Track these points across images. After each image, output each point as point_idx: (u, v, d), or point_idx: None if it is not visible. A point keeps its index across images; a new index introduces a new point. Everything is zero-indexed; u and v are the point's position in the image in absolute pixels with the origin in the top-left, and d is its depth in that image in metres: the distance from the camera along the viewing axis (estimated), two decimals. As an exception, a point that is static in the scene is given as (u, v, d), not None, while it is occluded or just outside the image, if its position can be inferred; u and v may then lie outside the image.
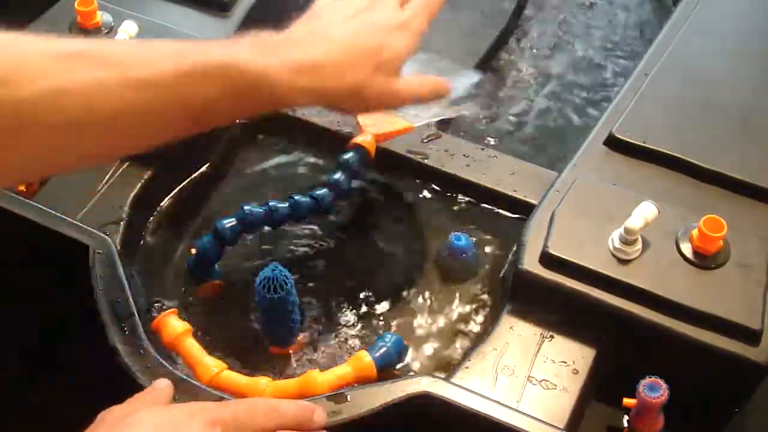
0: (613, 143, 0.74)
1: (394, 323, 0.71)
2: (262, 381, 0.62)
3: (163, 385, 0.56)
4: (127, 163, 0.76)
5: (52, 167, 0.55)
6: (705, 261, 0.63)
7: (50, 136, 0.47)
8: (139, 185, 0.75)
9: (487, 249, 0.75)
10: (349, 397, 0.58)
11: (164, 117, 0.51)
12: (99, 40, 0.52)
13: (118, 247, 0.68)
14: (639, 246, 0.64)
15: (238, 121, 0.83)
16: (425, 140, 0.81)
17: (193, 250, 0.71)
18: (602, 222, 0.65)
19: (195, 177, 0.81)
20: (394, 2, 0.63)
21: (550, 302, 0.65)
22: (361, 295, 0.72)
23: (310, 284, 0.73)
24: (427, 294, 0.73)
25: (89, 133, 0.49)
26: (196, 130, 0.54)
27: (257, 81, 0.53)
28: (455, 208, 0.78)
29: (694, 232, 0.63)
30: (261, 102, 0.56)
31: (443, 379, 0.60)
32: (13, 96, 0.45)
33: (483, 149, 0.80)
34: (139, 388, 0.57)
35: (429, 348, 0.69)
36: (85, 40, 0.51)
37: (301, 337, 0.69)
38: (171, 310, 0.65)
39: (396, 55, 0.60)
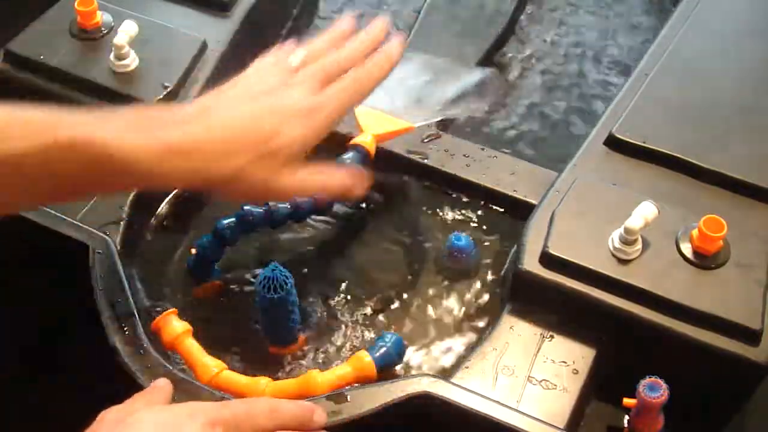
0: (613, 143, 0.74)
1: (394, 323, 0.71)
2: (262, 381, 0.62)
3: (162, 385, 0.56)
4: (127, 163, 0.76)
5: None
6: (705, 261, 0.63)
7: None
8: (139, 185, 0.75)
9: (487, 249, 0.75)
10: (349, 397, 0.58)
11: (25, 190, 0.51)
12: None
13: (118, 247, 0.68)
14: (639, 246, 0.64)
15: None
16: (425, 140, 0.81)
17: (193, 250, 0.71)
18: (602, 222, 0.65)
19: (195, 177, 0.81)
20: (312, 83, 0.59)
21: (550, 302, 0.65)
22: (361, 295, 0.72)
23: (310, 284, 0.73)
24: (427, 294, 0.73)
25: None
26: (65, 200, 0.54)
27: (121, 160, 0.51)
28: (455, 208, 0.78)
29: (694, 232, 0.63)
30: (126, 181, 0.55)
31: (443, 379, 0.60)
32: None
33: (483, 149, 0.80)
34: (139, 388, 0.57)
35: (429, 348, 0.69)
36: None
37: (301, 337, 0.69)
38: (171, 310, 0.65)
39: (288, 144, 0.56)
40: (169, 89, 0.75)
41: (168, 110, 0.56)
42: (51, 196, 0.54)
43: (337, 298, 0.72)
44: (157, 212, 0.78)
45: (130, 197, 0.74)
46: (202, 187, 0.57)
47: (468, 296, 0.72)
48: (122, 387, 0.57)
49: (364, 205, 0.79)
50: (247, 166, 0.54)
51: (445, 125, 0.86)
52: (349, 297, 0.72)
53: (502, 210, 0.78)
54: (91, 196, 0.53)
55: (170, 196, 0.79)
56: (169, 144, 0.53)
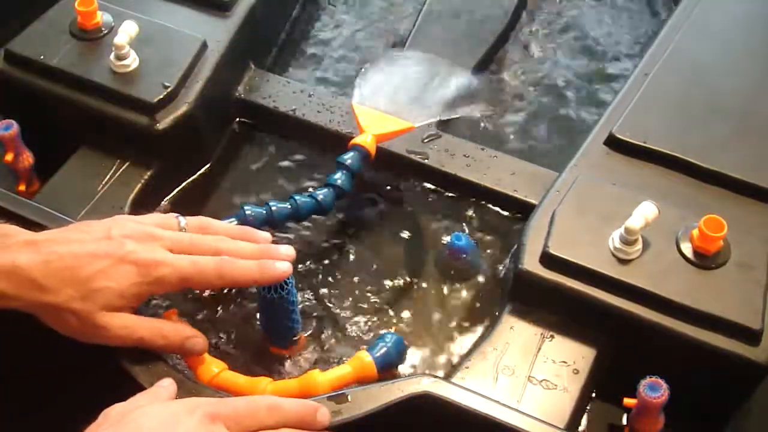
0: (613, 143, 0.74)
1: (394, 323, 0.71)
2: (263, 381, 0.62)
3: (166, 384, 0.56)
4: (127, 163, 0.76)
5: None
6: (705, 261, 0.63)
7: None
8: (139, 185, 0.75)
9: (487, 249, 0.76)
10: (349, 397, 0.58)
11: None
12: None
13: (118, 247, 0.68)
14: (639, 246, 0.64)
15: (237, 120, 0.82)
16: (425, 140, 0.81)
17: (193, 250, 0.71)
18: (602, 222, 0.65)
19: (195, 177, 0.81)
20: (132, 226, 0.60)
21: (551, 302, 0.65)
22: (362, 295, 0.72)
23: (310, 284, 0.73)
24: (427, 294, 0.73)
25: None
26: None
27: None
28: (455, 208, 0.79)
29: (694, 232, 0.63)
30: None
31: (443, 379, 0.60)
32: None
33: (483, 149, 0.80)
34: (140, 387, 0.57)
35: (429, 348, 0.69)
36: None
37: (302, 337, 0.69)
38: (171, 310, 0.65)
39: (107, 288, 0.56)
40: (169, 89, 0.75)
41: (16, 233, 0.58)
42: None
43: (337, 298, 0.72)
44: (157, 212, 0.78)
45: (131, 197, 0.74)
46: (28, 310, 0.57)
47: (468, 296, 0.72)
48: (122, 387, 0.57)
49: (363, 205, 0.79)
50: (68, 301, 0.55)
51: (445, 125, 0.86)
52: (349, 297, 0.72)
53: (502, 210, 0.78)
54: None
55: (170, 196, 0.79)
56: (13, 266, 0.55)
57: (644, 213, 0.62)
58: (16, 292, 0.55)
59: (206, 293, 0.72)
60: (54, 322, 0.57)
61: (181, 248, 0.59)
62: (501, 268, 0.74)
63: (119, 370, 0.59)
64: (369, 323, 0.71)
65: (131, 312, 0.58)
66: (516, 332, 0.65)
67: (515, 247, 0.71)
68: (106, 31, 0.78)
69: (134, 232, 0.59)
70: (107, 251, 0.57)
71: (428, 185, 0.80)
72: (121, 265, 0.57)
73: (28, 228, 0.60)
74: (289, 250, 0.63)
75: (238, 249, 0.62)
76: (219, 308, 0.71)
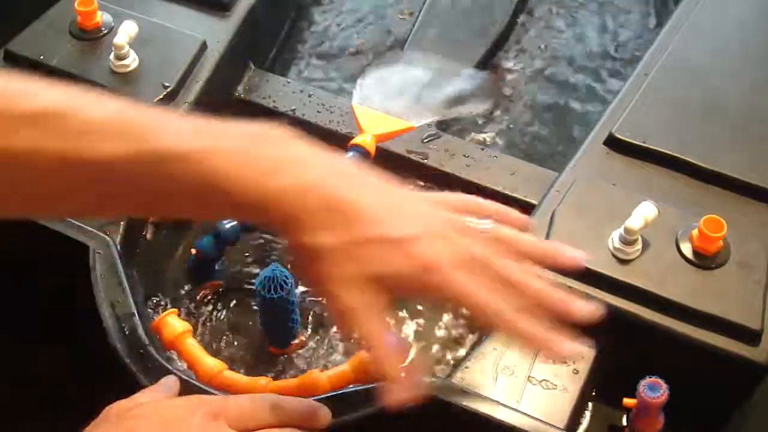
0: (613, 143, 0.74)
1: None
2: (262, 381, 0.62)
3: (169, 381, 0.56)
4: (127, 163, 0.76)
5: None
6: (705, 261, 0.63)
7: None
8: (139, 185, 0.75)
9: (487, 249, 0.75)
10: (349, 397, 0.58)
11: (104, 198, 0.46)
12: (67, 100, 0.45)
13: (118, 247, 0.68)
14: (639, 246, 0.64)
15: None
16: (425, 140, 0.81)
17: (193, 250, 0.71)
18: (602, 222, 0.65)
19: (195, 177, 0.81)
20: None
21: (550, 302, 0.65)
22: (361, 295, 0.72)
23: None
24: (427, 294, 0.72)
25: (29, 196, 0.45)
26: (144, 215, 0.49)
27: (230, 191, 0.45)
28: (455, 208, 0.78)
29: (694, 232, 0.63)
30: (227, 214, 0.50)
31: (443, 379, 0.60)
32: None
33: (483, 149, 0.80)
34: (140, 388, 0.57)
35: (429, 348, 0.69)
36: (50, 99, 0.44)
37: (301, 337, 0.69)
38: (171, 310, 0.65)
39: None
40: (169, 89, 0.75)
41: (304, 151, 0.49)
42: (136, 209, 0.50)
43: (337, 298, 0.72)
44: (157, 212, 0.78)
45: (130, 197, 0.74)
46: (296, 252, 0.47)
47: (468, 296, 0.72)
48: (122, 387, 0.57)
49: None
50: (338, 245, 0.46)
51: (445, 125, 0.86)
52: (349, 297, 0.72)
53: (502, 210, 0.78)
54: (167, 217, 0.49)
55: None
56: (283, 188, 0.45)
57: (644, 213, 0.62)
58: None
59: (205, 293, 0.72)
60: (314, 263, 0.47)
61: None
62: (501, 268, 0.74)
63: (120, 370, 0.59)
64: (369, 323, 0.71)
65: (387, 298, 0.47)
66: (516, 332, 0.65)
67: (515, 247, 0.71)
68: (105, 31, 0.78)
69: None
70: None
71: (428, 185, 0.80)
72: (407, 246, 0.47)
73: (27, 228, 0.60)
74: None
75: None
76: (219, 308, 0.71)
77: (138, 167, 0.44)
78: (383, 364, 0.48)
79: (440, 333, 0.70)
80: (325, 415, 0.55)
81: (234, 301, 0.72)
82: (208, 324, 0.70)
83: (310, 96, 0.85)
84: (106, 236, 0.68)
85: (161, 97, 0.75)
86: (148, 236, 0.75)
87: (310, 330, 0.70)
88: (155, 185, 0.45)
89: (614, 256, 0.64)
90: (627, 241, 0.63)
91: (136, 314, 0.63)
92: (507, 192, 0.77)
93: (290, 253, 0.50)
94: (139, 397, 0.53)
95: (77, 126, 0.44)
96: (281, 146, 0.48)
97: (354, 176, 0.49)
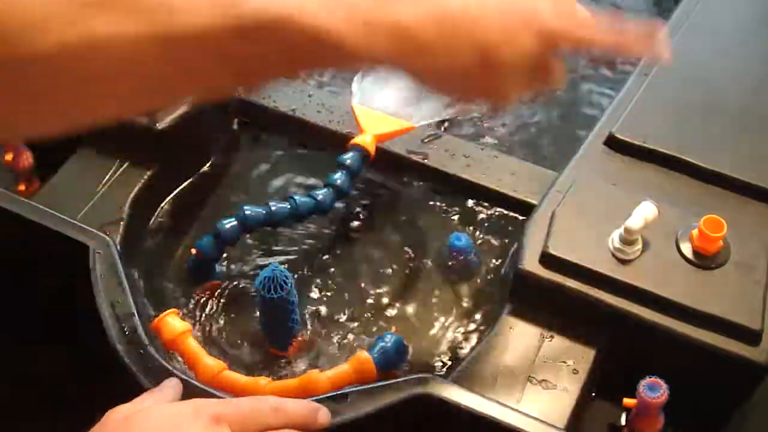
0: (613, 143, 0.74)
1: (394, 323, 0.71)
2: (262, 381, 0.62)
3: (172, 384, 0.56)
4: (127, 163, 0.76)
5: (83, 118, 0.46)
6: (705, 261, 0.63)
7: (74, 90, 0.41)
8: (139, 185, 0.75)
9: (487, 249, 0.75)
10: (349, 397, 0.58)
11: (201, 74, 0.43)
12: None
13: (118, 247, 0.68)
14: (639, 246, 0.64)
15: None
16: (425, 140, 0.81)
17: (193, 251, 0.71)
18: (602, 222, 0.65)
19: (195, 177, 0.81)
20: None
21: (550, 302, 0.65)
22: (361, 295, 0.72)
23: (310, 284, 0.73)
24: (427, 294, 0.73)
25: (115, 89, 0.42)
26: (241, 86, 0.46)
27: (319, 39, 0.43)
28: (455, 208, 0.78)
29: (694, 232, 0.63)
30: (324, 62, 0.47)
31: (443, 379, 0.60)
32: (33, 50, 0.39)
33: (483, 149, 0.80)
34: (140, 388, 0.57)
35: (429, 348, 0.69)
36: None
37: (301, 337, 0.69)
38: (171, 310, 0.65)
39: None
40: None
41: None
42: (236, 80, 0.46)
43: (337, 298, 0.72)
44: (157, 212, 0.78)
45: (130, 197, 0.74)
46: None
47: (468, 296, 0.72)
48: (122, 387, 0.57)
49: (363, 205, 0.79)
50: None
51: (445, 125, 0.86)
52: (349, 297, 0.72)
53: (502, 210, 0.78)
54: (257, 84, 0.46)
55: (170, 196, 0.79)
56: (392, 25, 0.44)
57: (644, 213, 0.62)
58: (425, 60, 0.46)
59: (205, 293, 0.72)
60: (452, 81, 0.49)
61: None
62: (501, 268, 0.74)
63: (120, 370, 0.59)
64: (369, 323, 0.71)
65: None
66: (516, 332, 0.65)
67: (515, 247, 0.71)
68: (106, 31, 0.78)
69: None
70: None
71: (428, 185, 0.80)
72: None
73: (27, 228, 0.60)
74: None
75: None
76: (219, 308, 0.71)
77: (235, 34, 0.41)
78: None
79: (440, 333, 0.70)
80: (325, 415, 0.55)
81: (234, 301, 0.72)
82: (208, 324, 0.70)
83: (310, 96, 0.85)
84: (106, 236, 0.68)
85: (161, 97, 0.75)
86: (148, 236, 0.76)
87: (310, 330, 0.70)
88: (256, 50, 0.42)
89: (614, 256, 0.64)
90: (627, 241, 0.63)
91: (136, 314, 0.63)
92: (507, 192, 0.77)
93: (426, 84, 0.49)
94: (142, 400, 0.53)
95: (156, 2, 0.40)
96: None
97: None
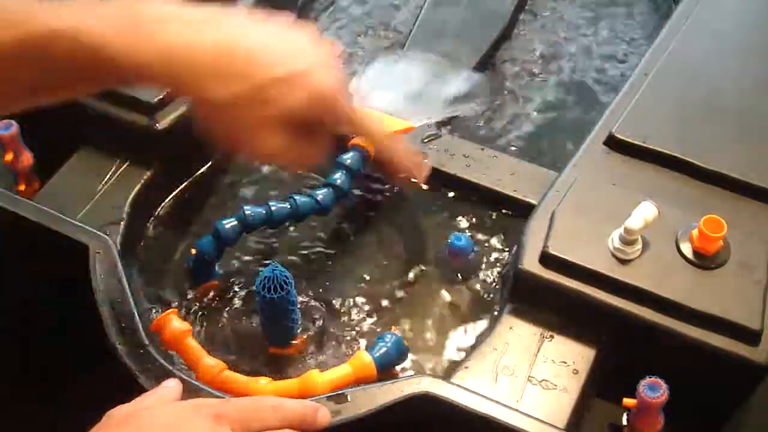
0: (613, 143, 0.74)
1: (394, 323, 0.71)
2: (262, 381, 0.62)
3: (172, 384, 0.56)
4: (127, 163, 0.76)
5: None
6: (705, 261, 0.63)
7: None
8: (139, 185, 0.75)
9: (487, 249, 0.75)
10: (349, 397, 0.58)
11: (4, 85, 0.47)
12: None
13: (118, 247, 0.68)
14: (639, 246, 0.64)
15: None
16: (425, 140, 0.81)
17: (193, 251, 0.71)
18: (602, 222, 0.65)
19: (195, 177, 0.81)
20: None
21: (550, 302, 0.65)
22: (361, 296, 0.72)
23: (310, 284, 0.73)
24: (427, 294, 0.73)
25: None
26: (47, 99, 0.49)
27: (108, 55, 0.46)
28: (455, 208, 0.78)
29: (694, 232, 0.63)
30: (111, 79, 0.50)
31: (443, 379, 0.60)
32: None
33: (483, 149, 0.80)
34: (140, 388, 0.57)
35: (429, 348, 0.69)
36: None
37: (301, 337, 0.69)
38: (171, 310, 0.65)
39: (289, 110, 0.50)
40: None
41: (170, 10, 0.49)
42: (32, 94, 0.49)
43: (337, 298, 0.72)
44: (157, 212, 0.78)
45: (131, 197, 0.74)
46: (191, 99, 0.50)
47: (468, 296, 0.72)
48: (123, 387, 0.57)
49: (363, 205, 0.79)
50: (240, 100, 0.48)
51: (445, 125, 0.86)
52: (349, 297, 0.72)
53: (502, 210, 0.78)
54: (75, 93, 0.50)
55: (170, 196, 0.79)
56: (169, 45, 0.47)
57: (644, 213, 0.62)
58: (193, 79, 0.48)
59: (205, 293, 0.72)
60: (212, 118, 0.51)
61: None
62: (501, 268, 0.74)
63: (120, 370, 0.59)
64: (369, 323, 0.71)
65: (290, 131, 0.52)
66: (516, 332, 0.65)
67: (515, 247, 0.71)
68: (106, 31, 0.78)
69: (324, 53, 0.53)
70: (295, 61, 0.51)
71: (428, 185, 0.80)
72: (304, 78, 0.50)
73: (27, 228, 0.60)
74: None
75: None
76: (219, 308, 0.71)
77: (26, 51, 0.45)
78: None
79: (440, 332, 0.70)
80: (324, 415, 0.55)
81: (234, 301, 0.72)
82: (208, 324, 0.70)
83: (310, 96, 0.85)
84: (106, 236, 0.68)
85: (161, 97, 0.75)
86: (148, 236, 0.76)
87: (309, 330, 0.70)
88: (44, 65, 0.46)
89: (614, 256, 0.64)
90: (627, 241, 0.63)
91: (136, 314, 0.63)
92: (507, 192, 0.77)
93: (195, 114, 0.51)
94: (142, 400, 0.53)
95: None
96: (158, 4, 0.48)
97: (239, 24, 0.50)
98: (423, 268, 0.74)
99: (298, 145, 0.53)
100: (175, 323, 0.64)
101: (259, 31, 0.51)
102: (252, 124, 0.50)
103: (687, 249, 0.64)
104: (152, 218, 0.77)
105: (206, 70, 0.48)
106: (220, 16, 0.50)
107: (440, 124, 0.84)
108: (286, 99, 0.50)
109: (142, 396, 0.53)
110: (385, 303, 0.72)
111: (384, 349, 0.64)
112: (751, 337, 0.60)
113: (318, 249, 0.76)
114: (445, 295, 0.72)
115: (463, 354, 0.68)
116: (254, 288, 0.65)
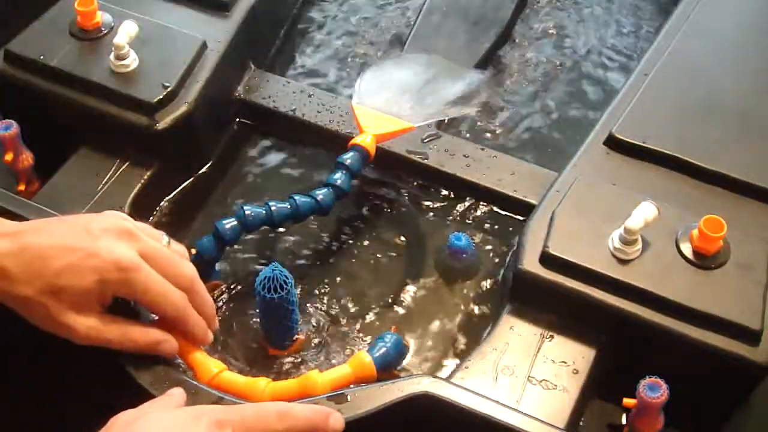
0: (613, 143, 0.74)
1: (394, 323, 0.71)
2: (262, 381, 0.62)
3: (177, 393, 0.55)
4: (127, 163, 0.76)
5: None
6: (705, 261, 0.63)
7: None
8: (139, 185, 0.75)
9: (487, 249, 0.76)
10: (349, 397, 0.58)
11: None
12: None
13: (118, 247, 0.68)
14: (639, 246, 0.64)
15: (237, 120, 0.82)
16: (425, 140, 0.81)
17: (193, 251, 0.71)
18: (602, 222, 0.65)
19: (195, 177, 0.81)
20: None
21: (550, 302, 0.65)
22: (361, 295, 0.72)
23: (310, 284, 0.73)
24: (427, 294, 0.73)
25: None
26: None
27: None
28: (455, 208, 0.79)
29: (694, 232, 0.63)
30: None
31: (443, 379, 0.60)
32: None
33: (483, 149, 0.80)
34: (140, 389, 0.57)
35: (429, 348, 0.69)
36: None
37: (301, 337, 0.69)
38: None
39: (74, 287, 0.54)
40: (169, 89, 0.75)
41: None
42: None
43: (337, 299, 0.72)
44: (157, 212, 0.78)
45: (130, 197, 0.74)
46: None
47: (468, 296, 0.72)
48: (123, 388, 0.57)
49: (364, 205, 0.79)
50: (36, 295, 0.54)
51: (445, 125, 0.86)
52: (349, 297, 0.72)
53: (502, 210, 0.78)
54: None
55: (170, 196, 0.79)
56: None
57: (644, 213, 0.62)
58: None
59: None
60: (25, 312, 0.56)
61: (156, 262, 0.57)
62: (501, 268, 0.74)
63: (120, 372, 0.59)
64: (369, 323, 0.71)
65: (102, 311, 0.56)
66: (516, 332, 0.65)
67: (515, 247, 0.71)
68: (105, 31, 0.78)
69: (114, 227, 0.57)
70: (81, 245, 0.55)
71: (428, 185, 0.80)
72: (90, 260, 0.54)
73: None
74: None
75: (203, 301, 0.61)
76: (219, 308, 0.71)
77: None
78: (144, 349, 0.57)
79: (440, 333, 0.70)
80: (337, 420, 0.54)
81: (234, 301, 0.72)
82: (208, 324, 0.70)
83: (310, 96, 0.85)
84: (106, 236, 0.67)
85: (161, 97, 0.75)
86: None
87: (309, 330, 0.70)
88: None
89: (614, 256, 0.64)
90: (627, 241, 0.63)
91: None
92: (507, 192, 0.77)
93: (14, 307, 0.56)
94: (146, 407, 0.53)
95: None
96: None
97: (36, 227, 0.56)
98: (423, 268, 0.74)
99: (117, 324, 0.57)
100: (175, 323, 0.64)
101: (51, 228, 0.56)
102: (58, 312, 0.54)
103: (687, 249, 0.64)
104: (152, 218, 0.77)
105: (11, 271, 0.53)
106: (27, 226, 0.56)
107: (440, 124, 0.84)
108: (78, 285, 0.54)
109: (148, 403, 0.53)
110: (385, 303, 0.72)
111: (384, 349, 0.64)
112: (751, 337, 0.60)
113: (318, 249, 0.76)
114: (445, 295, 0.72)
115: (463, 354, 0.68)
116: (254, 288, 0.65)
